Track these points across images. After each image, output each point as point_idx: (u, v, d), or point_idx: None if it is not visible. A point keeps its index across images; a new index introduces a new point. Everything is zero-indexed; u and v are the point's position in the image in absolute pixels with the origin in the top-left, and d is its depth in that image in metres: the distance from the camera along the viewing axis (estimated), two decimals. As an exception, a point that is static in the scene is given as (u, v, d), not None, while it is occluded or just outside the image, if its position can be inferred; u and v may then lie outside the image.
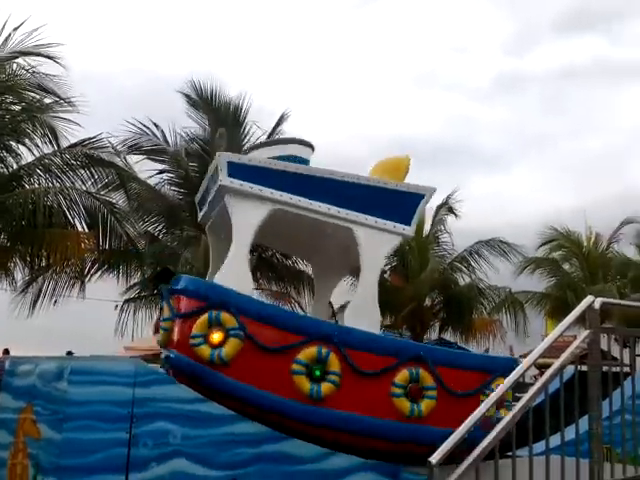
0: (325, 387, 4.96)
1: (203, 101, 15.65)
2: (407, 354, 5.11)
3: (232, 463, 4.81)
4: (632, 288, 20.94)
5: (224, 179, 5.10)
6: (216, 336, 4.85)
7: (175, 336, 5.05)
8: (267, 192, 5.17)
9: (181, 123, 15.77)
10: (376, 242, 5.41)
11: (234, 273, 5.14)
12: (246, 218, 5.16)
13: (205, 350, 4.84)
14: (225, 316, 4.85)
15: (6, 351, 16.41)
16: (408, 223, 5.50)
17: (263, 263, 15.41)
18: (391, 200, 5.46)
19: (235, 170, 5.12)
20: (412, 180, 5.80)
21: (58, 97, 12.40)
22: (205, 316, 4.87)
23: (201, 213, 6.23)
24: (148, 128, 14.93)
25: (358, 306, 5.41)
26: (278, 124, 15.57)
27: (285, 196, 5.21)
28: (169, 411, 4.67)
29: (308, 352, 4.95)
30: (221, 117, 15.56)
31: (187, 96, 15.62)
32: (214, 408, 4.92)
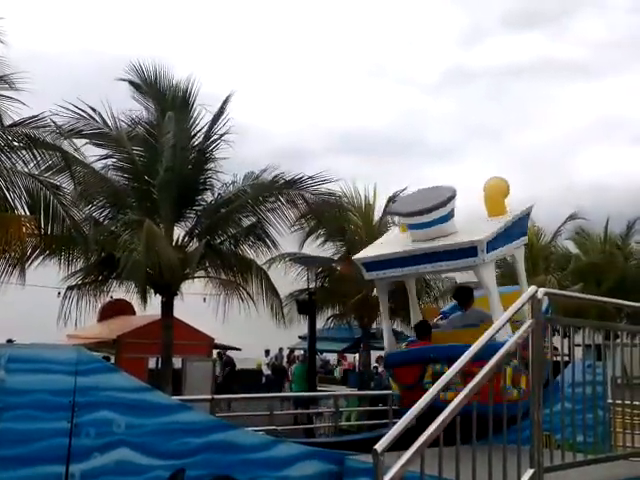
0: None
1: (148, 85, 15.28)
2: None
3: (178, 452, 4.76)
4: (571, 280, 21.64)
5: (486, 257, 6.41)
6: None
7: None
8: (496, 253, 6.70)
9: (127, 106, 15.39)
10: (520, 256, 7.45)
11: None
12: (494, 280, 6.66)
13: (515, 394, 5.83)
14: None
15: None
16: (525, 234, 7.49)
17: (212, 251, 15.23)
18: (519, 223, 7.19)
19: (487, 247, 6.40)
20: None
21: None
22: (510, 369, 5.69)
23: (376, 273, 7.12)
24: (85, 112, 14.46)
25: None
26: (223, 106, 15.37)
27: (501, 250, 6.83)
28: (113, 400, 4.58)
29: None
30: (167, 100, 15.23)
31: (131, 82, 15.25)
32: (159, 397, 4.86)
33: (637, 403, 5.53)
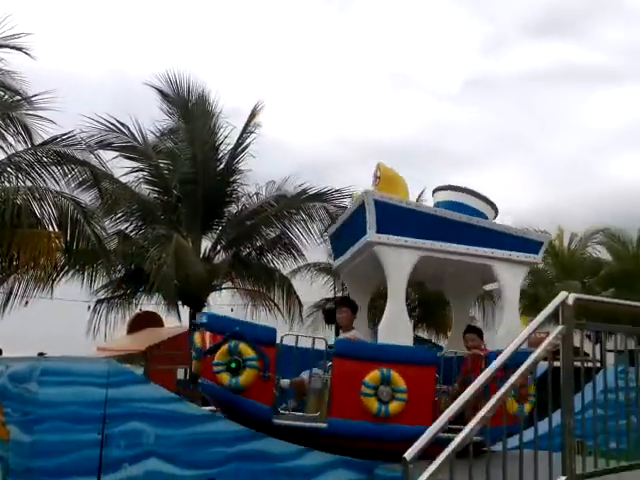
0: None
1: (175, 96, 15.41)
2: None
3: (208, 462, 4.78)
4: (603, 286, 21.28)
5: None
6: None
7: None
8: None
9: (154, 120, 15.52)
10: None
11: None
12: None
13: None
14: None
15: None
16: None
17: (238, 262, 15.31)
18: None
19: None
20: None
21: (20, 96, 12.15)
22: None
23: None
24: (114, 125, 14.65)
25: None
26: (250, 119, 15.45)
27: None
28: (143, 411, 4.63)
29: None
30: (191, 112, 15.36)
31: (160, 91, 15.37)
32: (189, 407, 4.88)
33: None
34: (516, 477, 3.77)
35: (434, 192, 7.12)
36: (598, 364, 5.27)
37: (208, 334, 5.76)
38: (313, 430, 4.12)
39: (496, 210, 7.06)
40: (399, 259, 6.14)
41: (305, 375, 6.04)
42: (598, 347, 4.98)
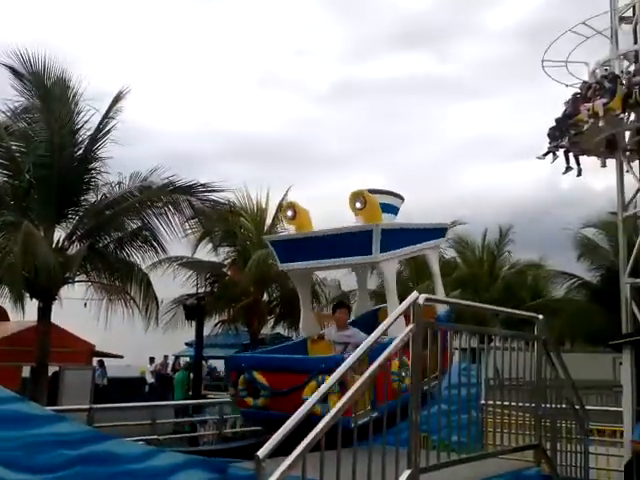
0: None
1: (31, 74, 14.40)
2: None
3: (50, 466, 4.50)
4: (453, 287, 22.64)
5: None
6: None
7: None
8: None
9: (4, 99, 14.40)
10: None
11: None
12: None
13: None
14: None
15: None
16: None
17: (94, 254, 14.62)
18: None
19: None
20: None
21: None
22: None
23: None
24: None
25: None
26: (114, 103, 14.80)
27: None
28: (-24, 412, 4.28)
29: None
30: (49, 93, 14.44)
31: (12, 69, 14.30)
32: (31, 407, 4.59)
33: (507, 403, 5.84)
34: (365, 472, 3.90)
35: None
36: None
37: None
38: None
39: (402, 199, 8.42)
40: (393, 269, 7.63)
41: None
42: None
